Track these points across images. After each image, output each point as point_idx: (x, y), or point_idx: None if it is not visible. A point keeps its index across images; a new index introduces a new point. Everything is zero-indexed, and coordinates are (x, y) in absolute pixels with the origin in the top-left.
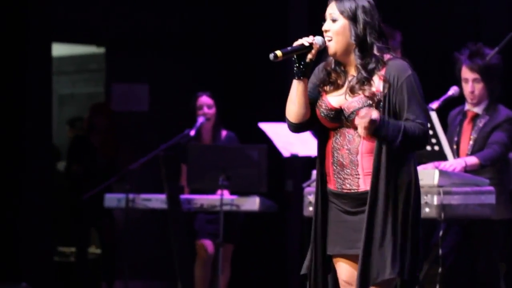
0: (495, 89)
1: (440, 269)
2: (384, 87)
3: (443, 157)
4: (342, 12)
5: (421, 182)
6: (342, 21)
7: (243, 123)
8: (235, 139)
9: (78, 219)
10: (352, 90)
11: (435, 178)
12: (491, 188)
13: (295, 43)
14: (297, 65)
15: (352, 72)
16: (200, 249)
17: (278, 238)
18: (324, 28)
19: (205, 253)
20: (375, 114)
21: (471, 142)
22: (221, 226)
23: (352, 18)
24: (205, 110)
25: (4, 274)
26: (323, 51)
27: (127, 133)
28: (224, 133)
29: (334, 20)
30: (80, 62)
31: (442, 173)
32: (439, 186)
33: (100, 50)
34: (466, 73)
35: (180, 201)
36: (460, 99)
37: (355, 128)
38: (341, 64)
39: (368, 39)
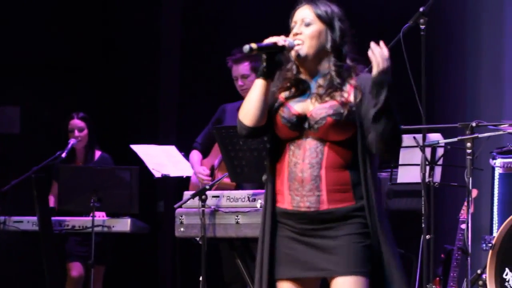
0: None
1: None
2: (356, 97)
3: None
4: (319, 17)
5: None
6: (318, 26)
7: (115, 144)
8: (109, 159)
9: None
10: (321, 96)
11: None
12: None
13: (269, 40)
14: (265, 64)
15: (316, 79)
16: (70, 271)
17: (150, 259)
18: (295, 31)
19: (74, 275)
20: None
21: None
22: (93, 248)
23: (329, 23)
24: (76, 133)
25: None
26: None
27: None
28: (98, 153)
29: (308, 24)
30: None
31: None
32: None
33: None
34: None
35: (51, 222)
36: None
37: (320, 137)
38: (300, 71)
39: (343, 48)
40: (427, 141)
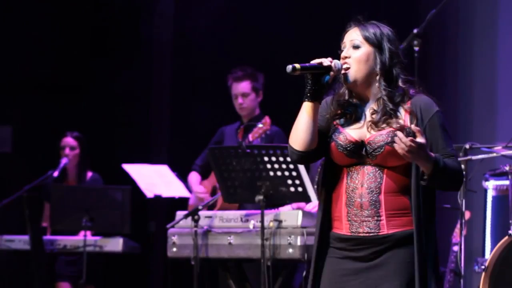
0: None
1: None
2: (411, 121)
3: (307, 198)
4: (367, 39)
5: (285, 223)
6: (367, 48)
7: (107, 164)
8: (100, 180)
9: None
10: (376, 124)
11: (299, 219)
12: None
13: (314, 61)
14: (311, 85)
15: (369, 104)
16: None
17: (141, 279)
18: (343, 54)
19: None
20: (422, 139)
21: None
22: (84, 267)
23: (377, 45)
24: (67, 151)
25: None
26: (333, 82)
27: None
28: (89, 174)
29: (356, 47)
30: None
31: (306, 214)
32: (302, 227)
33: None
34: None
35: (43, 242)
36: None
37: (378, 163)
38: (353, 95)
39: (394, 70)
40: None
